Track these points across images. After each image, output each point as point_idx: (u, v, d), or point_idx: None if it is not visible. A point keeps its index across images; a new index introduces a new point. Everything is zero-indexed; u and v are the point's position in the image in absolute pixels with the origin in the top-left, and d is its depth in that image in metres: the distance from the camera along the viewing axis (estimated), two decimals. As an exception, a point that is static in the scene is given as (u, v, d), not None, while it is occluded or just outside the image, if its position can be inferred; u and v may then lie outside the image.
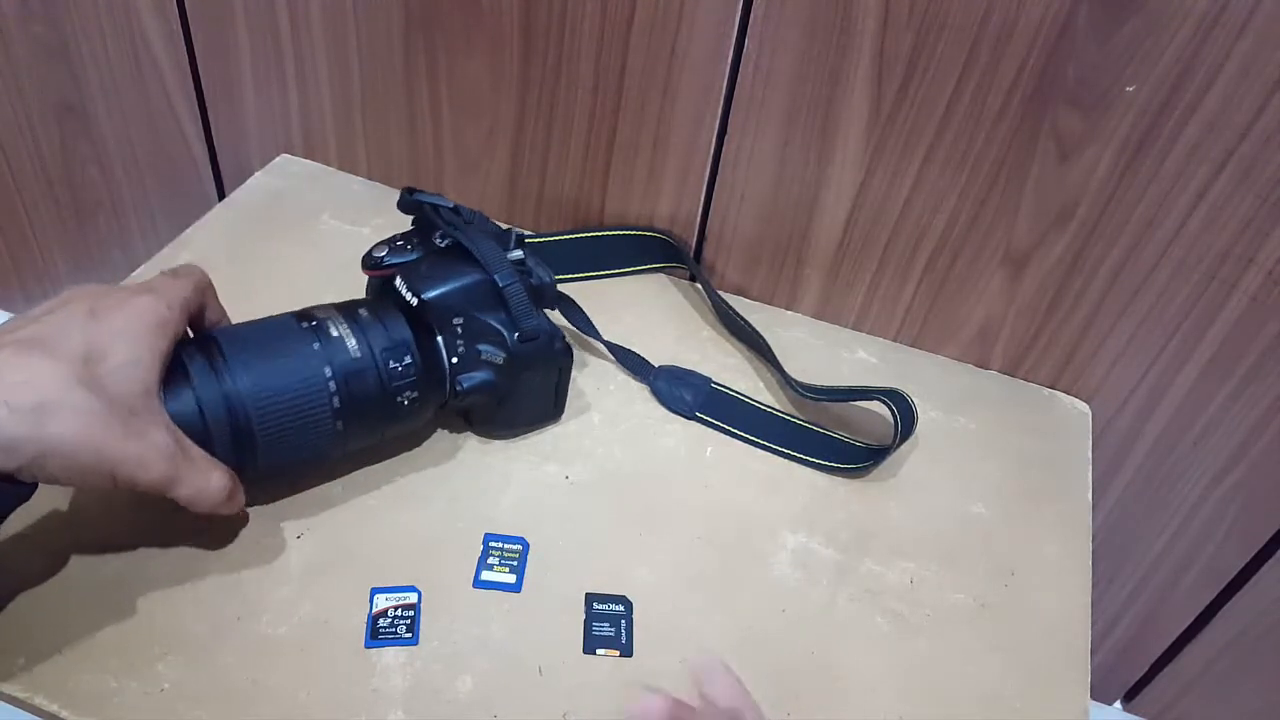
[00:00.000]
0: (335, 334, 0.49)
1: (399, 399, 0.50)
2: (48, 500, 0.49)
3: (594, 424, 0.61)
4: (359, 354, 0.49)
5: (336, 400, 0.48)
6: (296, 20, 0.70)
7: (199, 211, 0.73)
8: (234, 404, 0.46)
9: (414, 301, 0.52)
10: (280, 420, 0.47)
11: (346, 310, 0.51)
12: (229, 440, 0.46)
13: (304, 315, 0.50)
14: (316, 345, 0.48)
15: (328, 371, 0.48)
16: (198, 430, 0.45)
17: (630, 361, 0.64)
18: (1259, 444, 0.65)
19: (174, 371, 0.45)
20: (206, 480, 0.44)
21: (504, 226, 0.59)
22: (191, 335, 0.48)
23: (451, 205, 0.56)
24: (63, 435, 0.38)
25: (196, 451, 0.44)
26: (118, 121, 0.81)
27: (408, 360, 0.50)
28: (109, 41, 0.76)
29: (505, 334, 0.53)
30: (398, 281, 0.53)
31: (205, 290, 0.49)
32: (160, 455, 0.42)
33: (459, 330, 0.52)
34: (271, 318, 0.50)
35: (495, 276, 0.53)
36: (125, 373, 0.41)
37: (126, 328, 0.42)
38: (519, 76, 0.67)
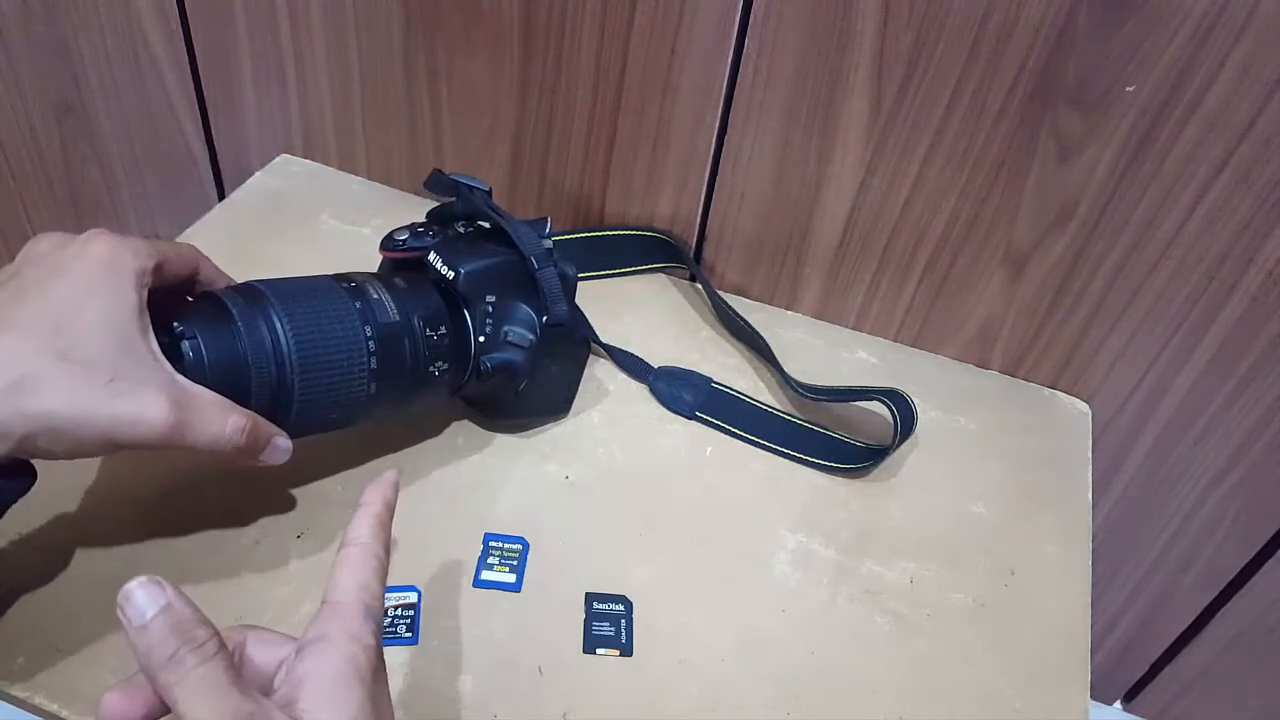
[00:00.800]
0: (375, 296, 0.49)
1: (430, 368, 0.50)
2: (48, 499, 0.49)
3: (594, 424, 0.61)
4: (397, 318, 0.49)
5: (374, 361, 0.48)
6: (296, 21, 0.70)
7: (199, 211, 0.73)
8: (280, 355, 0.45)
9: (451, 275, 0.52)
10: (320, 376, 0.46)
11: (383, 278, 0.51)
12: (268, 393, 0.45)
13: (342, 277, 0.50)
14: (358, 304, 0.48)
15: (368, 331, 0.47)
16: (240, 379, 0.44)
17: (629, 363, 0.64)
18: (1259, 444, 0.65)
19: (218, 318, 0.44)
20: (222, 425, 0.42)
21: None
22: (190, 299, 0.46)
23: (487, 188, 0.56)
24: (44, 410, 0.37)
25: (207, 398, 0.42)
26: (118, 121, 0.81)
27: (442, 330, 0.51)
28: (109, 41, 0.76)
29: (535, 318, 0.53)
30: (431, 257, 0.53)
31: (189, 253, 0.46)
32: (156, 409, 0.40)
33: (490, 309, 0.53)
34: (310, 276, 0.49)
35: (532, 259, 0.53)
36: (99, 333, 0.39)
37: (91, 283, 0.40)
38: (519, 76, 0.67)
